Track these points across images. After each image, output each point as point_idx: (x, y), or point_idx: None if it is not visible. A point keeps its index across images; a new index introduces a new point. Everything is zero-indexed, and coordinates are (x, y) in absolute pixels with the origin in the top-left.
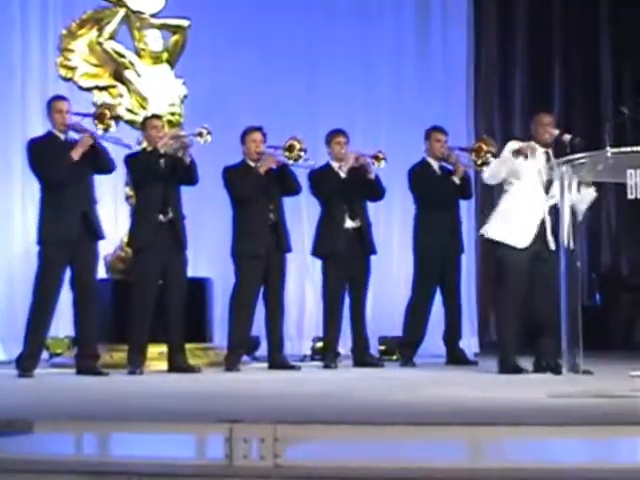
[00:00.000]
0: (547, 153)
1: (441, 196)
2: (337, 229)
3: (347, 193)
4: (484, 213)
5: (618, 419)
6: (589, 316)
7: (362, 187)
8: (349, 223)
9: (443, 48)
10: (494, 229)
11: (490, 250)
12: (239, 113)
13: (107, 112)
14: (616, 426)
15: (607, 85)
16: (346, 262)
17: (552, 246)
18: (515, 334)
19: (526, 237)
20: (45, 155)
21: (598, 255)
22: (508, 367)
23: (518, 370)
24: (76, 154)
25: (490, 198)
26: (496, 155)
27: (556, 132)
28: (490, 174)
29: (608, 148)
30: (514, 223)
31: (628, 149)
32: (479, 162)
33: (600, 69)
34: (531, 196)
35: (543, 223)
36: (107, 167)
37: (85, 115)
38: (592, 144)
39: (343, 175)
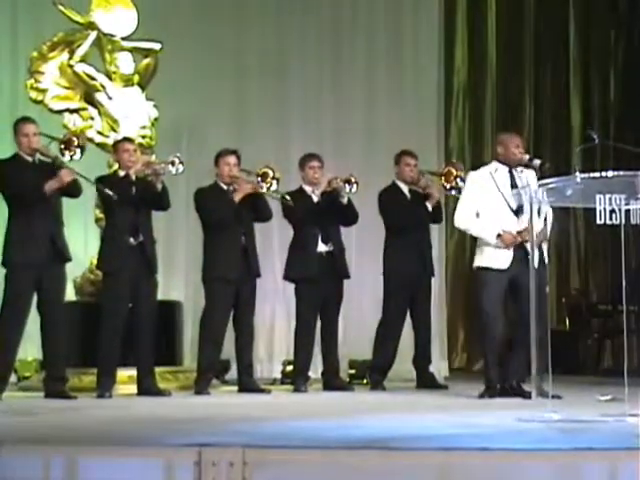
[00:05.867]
0: (511, 174)
1: (411, 220)
2: (310, 253)
3: (320, 217)
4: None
5: (586, 444)
6: (558, 341)
7: (335, 211)
8: (322, 247)
9: (414, 72)
10: (479, 258)
11: (477, 278)
12: (210, 137)
13: (75, 140)
14: (584, 451)
15: (576, 111)
16: (319, 286)
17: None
18: (498, 357)
19: (505, 259)
20: (10, 176)
21: (567, 280)
22: (492, 393)
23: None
24: (50, 188)
25: None
26: (464, 180)
27: (526, 157)
28: (461, 227)
29: (577, 173)
30: (492, 247)
31: (597, 174)
32: (448, 187)
33: (569, 94)
34: (502, 221)
35: (521, 245)
36: (75, 191)
37: (53, 139)
38: (561, 169)
39: (316, 199)
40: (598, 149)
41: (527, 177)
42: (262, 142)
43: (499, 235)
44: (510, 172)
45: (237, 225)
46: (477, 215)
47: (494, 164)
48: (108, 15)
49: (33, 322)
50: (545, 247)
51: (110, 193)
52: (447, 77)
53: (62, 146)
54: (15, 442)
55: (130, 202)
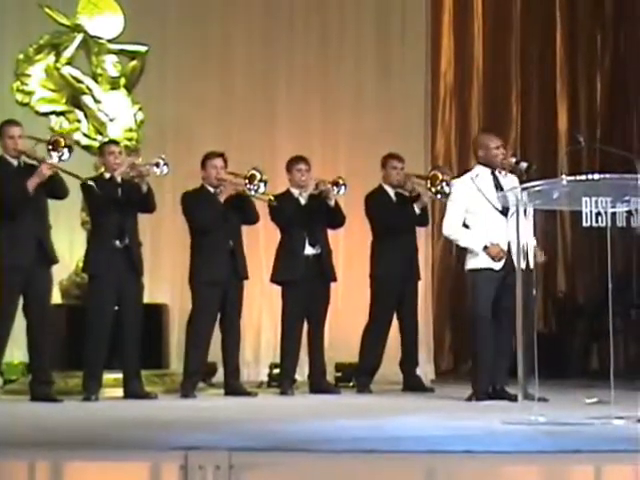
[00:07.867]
0: (494, 176)
1: (397, 223)
2: (297, 256)
3: (307, 220)
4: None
5: (573, 446)
6: (544, 343)
7: (322, 214)
8: (309, 250)
9: (401, 75)
10: (471, 261)
11: (470, 281)
12: (197, 140)
13: (62, 140)
14: (571, 453)
15: (563, 114)
16: (305, 289)
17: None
18: (490, 360)
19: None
20: None
21: (554, 282)
22: (480, 395)
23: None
24: (32, 185)
25: None
26: (450, 184)
27: (512, 160)
28: (450, 237)
29: (564, 176)
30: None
31: (584, 177)
32: (434, 190)
33: (556, 98)
34: (490, 224)
35: (509, 245)
36: (61, 193)
37: (39, 140)
38: (548, 172)
39: (303, 201)
40: (584, 152)
41: (511, 180)
42: (249, 145)
43: (486, 247)
44: (493, 174)
45: (224, 228)
46: (466, 226)
47: (476, 169)
48: (94, 18)
49: (19, 325)
50: (531, 251)
51: (93, 185)
52: (433, 80)
53: (49, 147)
54: (0, 445)
55: (116, 204)
